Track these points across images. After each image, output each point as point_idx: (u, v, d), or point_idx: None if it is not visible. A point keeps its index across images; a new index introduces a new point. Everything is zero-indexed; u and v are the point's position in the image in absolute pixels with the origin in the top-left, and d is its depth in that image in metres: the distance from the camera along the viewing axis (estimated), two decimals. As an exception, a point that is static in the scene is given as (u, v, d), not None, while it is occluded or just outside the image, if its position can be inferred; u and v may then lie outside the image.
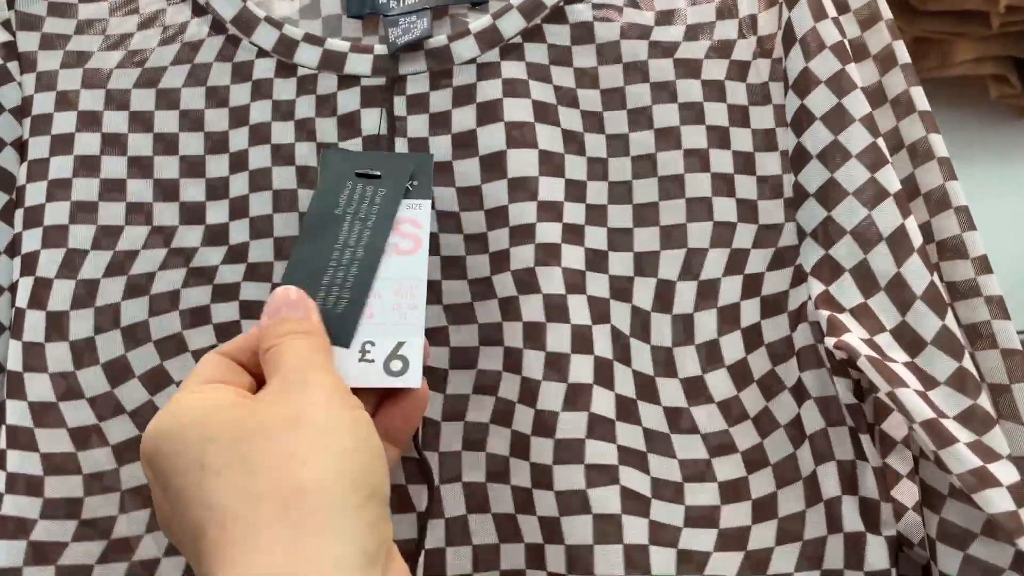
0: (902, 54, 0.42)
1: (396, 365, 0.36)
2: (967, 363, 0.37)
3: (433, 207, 0.41)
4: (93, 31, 0.46)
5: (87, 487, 0.39)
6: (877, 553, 0.36)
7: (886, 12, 0.44)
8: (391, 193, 0.39)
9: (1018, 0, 0.78)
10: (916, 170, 0.41)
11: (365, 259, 0.38)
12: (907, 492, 0.39)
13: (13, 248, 0.42)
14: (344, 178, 0.40)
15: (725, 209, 0.42)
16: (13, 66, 0.44)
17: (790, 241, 0.41)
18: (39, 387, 0.40)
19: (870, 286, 0.39)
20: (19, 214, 0.42)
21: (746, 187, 0.42)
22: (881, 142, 0.40)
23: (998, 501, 0.34)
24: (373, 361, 0.36)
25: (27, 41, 0.45)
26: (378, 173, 0.40)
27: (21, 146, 0.44)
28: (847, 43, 0.42)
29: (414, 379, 0.36)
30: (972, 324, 0.39)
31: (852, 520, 0.37)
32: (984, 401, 0.37)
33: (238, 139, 0.43)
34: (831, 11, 0.42)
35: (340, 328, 0.36)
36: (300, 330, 0.33)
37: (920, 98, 0.42)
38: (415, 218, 0.39)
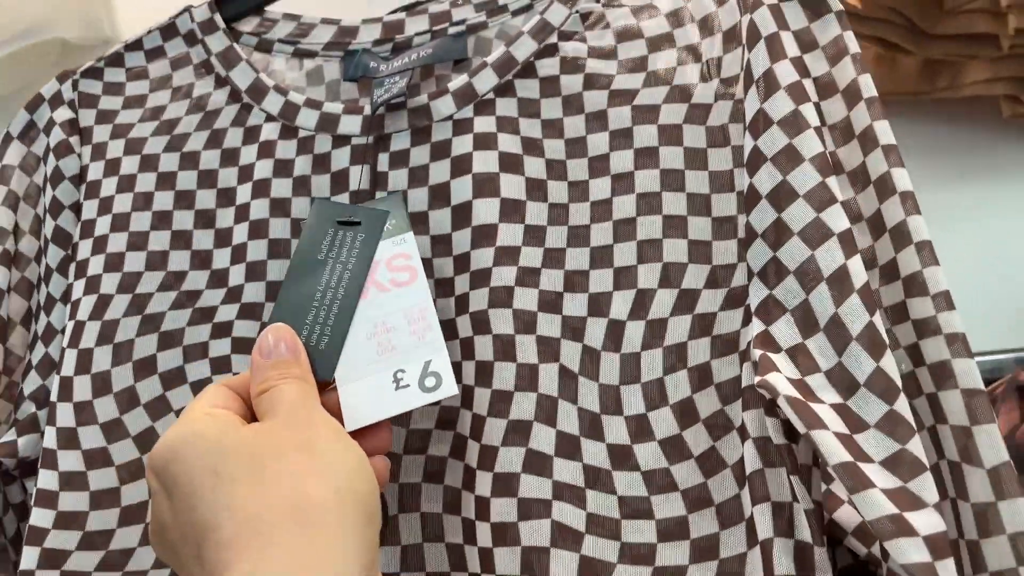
0: (867, 88, 0.42)
1: (430, 382, 0.39)
2: (900, 407, 0.36)
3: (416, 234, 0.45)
4: (137, 105, 0.53)
5: (92, 502, 0.45)
6: None
7: (853, 46, 0.43)
8: (368, 238, 0.43)
9: (1027, 23, 0.79)
10: (881, 205, 0.41)
11: (345, 299, 0.42)
12: (847, 514, 0.41)
13: (66, 296, 0.49)
14: (327, 226, 0.44)
15: (676, 250, 0.42)
16: (75, 140, 0.52)
17: (742, 281, 0.41)
18: (65, 415, 0.46)
19: (810, 326, 0.39)
20: (72, 267, 0.50)
21: (700, 228, 0.43)
22: (832, 181, 0.40)
23: (911, 552, 0.33)
24: (408, 386, 0.39)
25: (86, 117, 0.53)
26: (358, 220, 0.44)
27: (77, 208, 0.51)
28: (810, 82, 0.43)
29: (450, 388, 0.39)
30: (936, 363, 0.38)
31: (786, 564, 0.36)
32: (915, 446, 0.36)
33: (243, 193, 0.49)
34: (791, 51, 0.43)
35: (322, 362, 0.40)
36: (292, 375, 0.37)
37: (885, 132, 0.41)
38: (404, 252, 0.43)
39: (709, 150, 0.43)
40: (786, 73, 0.42)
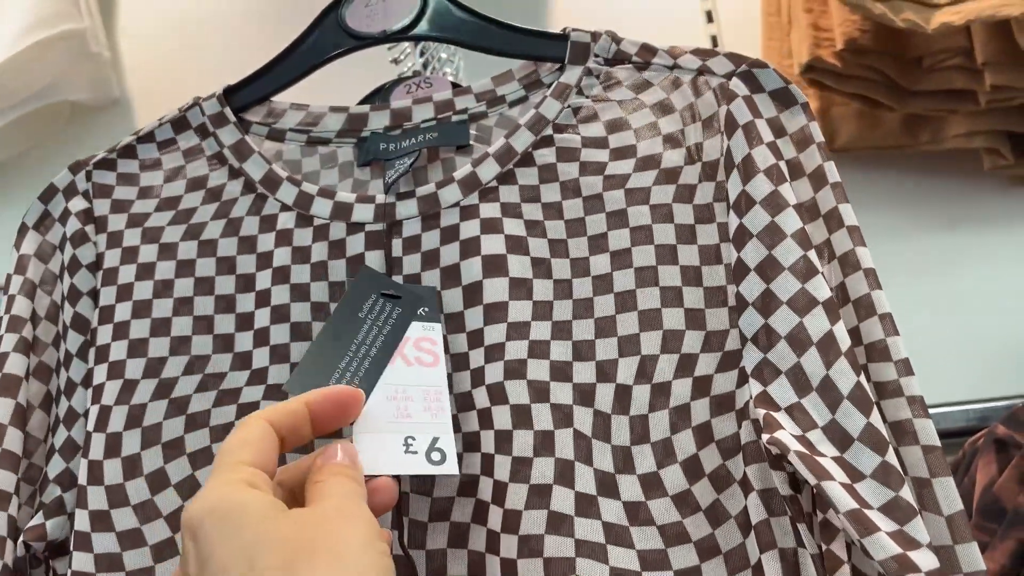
0: (832, 174, 0.47)
1: (436, 456, 0.44)
2: (890, 458, 0.41)
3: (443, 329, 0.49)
4: (151, 195, 0.55)
5: None
6: None
7: (817, 136, 0.48)
8: (404, 313, 0.48)
9: (1003, 79, 0.83)
10: (846, 279, 0.46)
11: (376, 358, 0.46)
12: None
13: (87, 380, 0.51)
14: (370, 292, 0.48)
15: (674, 318, 0.46)
16: (90, 229, 0.54)
17: (735, 345, 0.45)
18: (97, 498, 0.48)
19: (803, 386, 0.43)
20: (91, 352, 0.52)
21: (694, 297, 0.46)
22: (812, 254, 0.45)
23: None
24: (416, 452, 0.43)
25: (101, 206, 0.55)
26: (399, 295, 0.48)
27: (95, 295, 0.53)
28: (783, 164, 0.47)
29: (452, 467, 0.43)
30: (897, 422, 0.43)
31: None
32: (907, 493, 0.40)
33: (263, 279, 0.51)
34: (767, 136, 0.47)
35: None
36: (347, 475, 0.39)
37: (848, 214, 0.46)
38: (431, 337, 0.48)
39: (697, 226, 0.48)
40: (763, 157, 0.47)
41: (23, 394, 0.52)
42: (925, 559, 0.39)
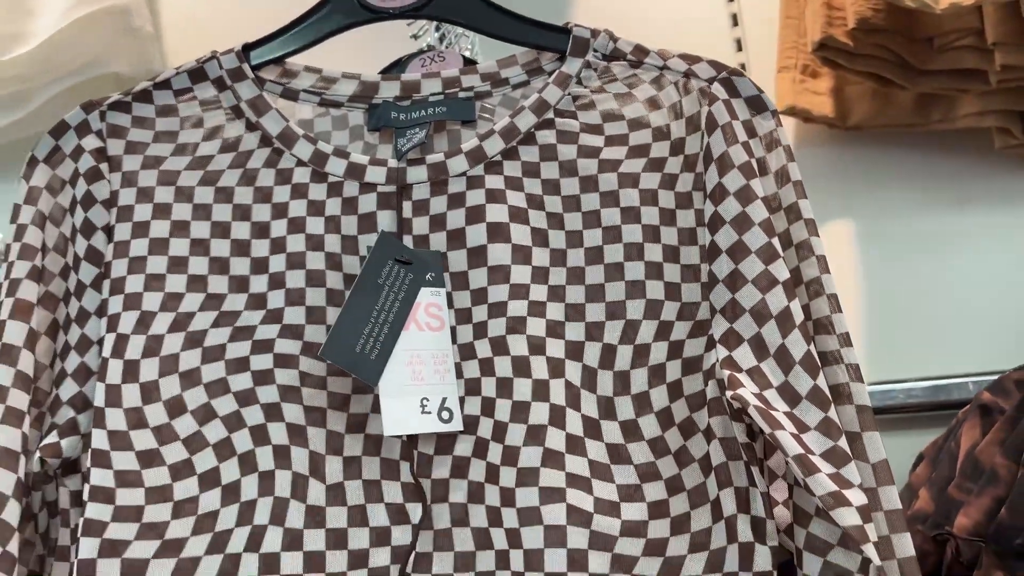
0: (795, 173, 0.57)
1: (445, 415, 0.52)
2: (831, 414, 0.51)
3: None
4: (167, 140, 0.60)
5: (148, 497, 0.53)
6: (763, 558, 0.49)
7: (784, 139, 0.57)
8: (416, 279, 0.55)
9: (1013, 59, 0.87)
10: (800, 264, 0.55)
11: (394, 323, 0.54)
12: (781, 515, 0.52)
13: (101, 310, 0.57)
14: (387, 258, 0.55)
15: (655, 289, 0.55)
16: (104, 167, 0.59)
17: (705, 316, 0.54)
18: (116, 419, 0.54)
19: (762, 353, 0.52)
20: (106, 284, 0.57)
21: (672, 272, 0.55)
22: (775, 241, 0.53)
23: (849, 517, 0.47)
24: (430, 413, 0.52)
25: (115, 147, 0.60)
26: (410, 261, 0.55)
27: (108, 230, 0.58)
28: (754, 161, 0.55)
29: (458, 425, 0.52)
30: (835, 385, 0.52)
31: (745, 533, 0.49)
32: (843, 443, 0.50)
33: (278, 227, 0.57)
34: (741, 136, 0.56)
35: (372, 369, 0.52)
36: None
37: (806, 208, 0.56)
38: (437, 302, 0.55)
39: (677, 211, 0.56)
40: (738, 154, 0.55)
41: (35, 319, 0.56)
42: (856, 496, 0.48)
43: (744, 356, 0.52)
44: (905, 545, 0.50)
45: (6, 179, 1.18)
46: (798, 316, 0.52)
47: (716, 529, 0.50)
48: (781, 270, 0.53)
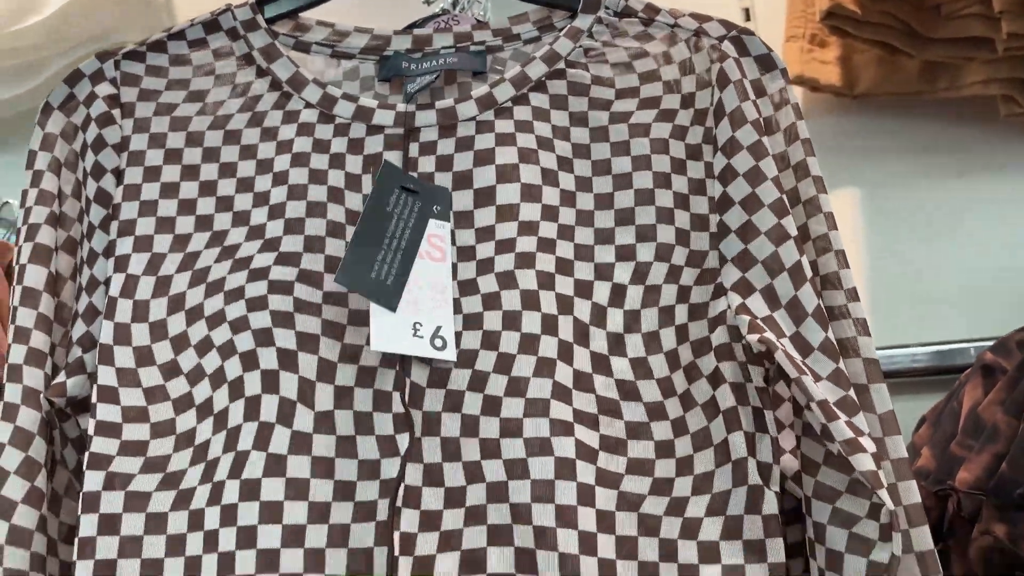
0: (803, 131, 0.57)
1: (438, 342, 0.52)
2: (841, 365, 0.52)
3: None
4: (179, 88, 0.62)
5: (152, 432, 0.53)
6: (770, 503, 0.50)
7: (793, 97, 0.58)
8: (424, 208, 0.55)
9: (1019, 27, 0.88)
10: (808, 220, 0.56)
11: (406, 249, 0.54)
12: (788, 463, 0.53)
13: (108, 251, 0.58)
14: (393, 186, 0.55)
15: (666, 233, 0.56)
16: (116, 112, 0.60)
17: (712, 264, 0.55)
18: (123, 356, 0.55)
19: (774, 303, 0.53)
20: (114, 225, 0.58)
21: (682, 219, 0.56)
22: (785, 197, 0.54)
23: (866, 463, 0.48)
24: (423, 337, 0.52)
25: (128, 94, 0.61)
26: (417, 190, 0.56)
27: (118, 173, 0.59)
28: (763, 119, 0.56)
29: (451, 355, 0.52)
30: (843, 339, 0.53)
31: (753, 476, 0.50)
32: (852, 394, 0.51)
33: (281, 162, 0.58)
34: (751, 94, 0.57)
35: (388, 294, 0.53)
36: None
37: (814, 165, 0.57)
38: (441, 235, 0.55)
39: (687, 161, 0.57)
40: (750, 111, 0.56)
41: (54, 264, 0.57)
42: (868, 444, 0.49)
43: (757, 305, 0.53)
44: (911, 492, 0.51)
45: (24, 147, 1.21)
46: (808, 271, 0.53)
47: (719, 473, 0.50)
48: (791, 225, 0.54)
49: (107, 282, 0.57)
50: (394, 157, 0.58)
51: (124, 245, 0.57)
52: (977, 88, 0.94)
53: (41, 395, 0.54)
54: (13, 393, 0.54)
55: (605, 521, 0.49)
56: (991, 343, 0.81)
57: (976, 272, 0.96)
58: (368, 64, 0.63)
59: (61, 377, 0.56)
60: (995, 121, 0.96)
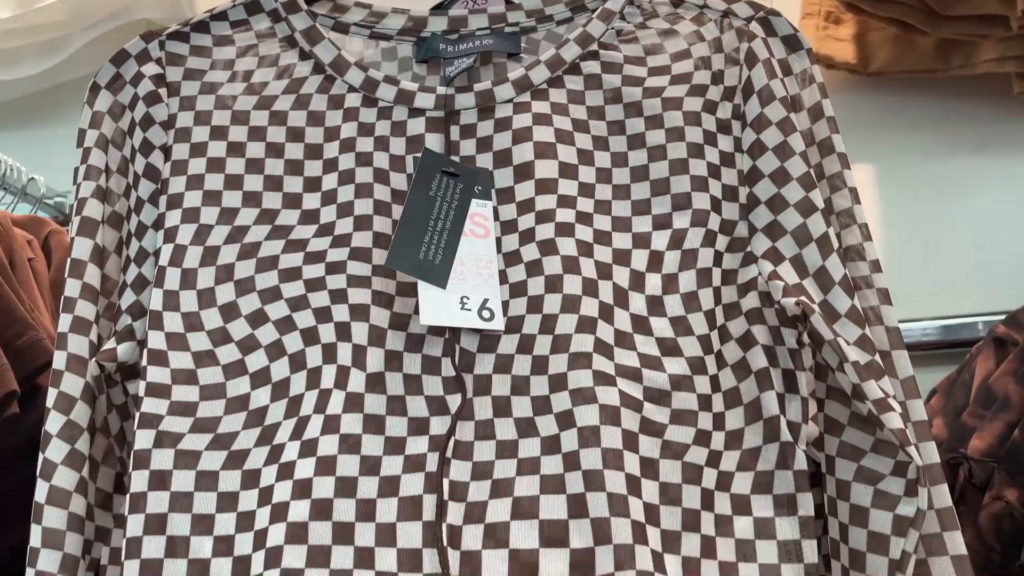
0: (828, 109, 0.60)
1: (486, 314, 0.55)
2: (867, 331, 0.54)
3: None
4: (223, 67, 0.63)
5: (202, 394, 0.55)
6: (800, 459, 0.52)
7: (818, 77, 0.61)
8: (466, 189, 0.58)
9: (1035, 5, 0.89)
10: (832, 195, 0.58)
11: (450, 230, 0.57)
12: (808, 430, 0.54)
13: (158, 224, 0.60)
14: (434, 171, 0.58)
15: (702, 200, 0.57)
16: (163, 91, 0.62)
17: (742, 234, 0.57)
18: (172, 322, 0.57)
19: (803, 272, 0.55)
20: (163, 199, 0.60)
21: (715, 188, 0.58)
22: (811, 171, 0.57)
23: (895, 421, 0.50)
24: (470, 310, 0.54)
25: (174, 73, 0.63)
26: (457, 173, 0.58)
27: (166, 150, 0.61)
28: (789, 97, 0.59)
29: (499, 325, 0.55)
30: (867, 308, 0.56)
31: (785, 434, 0.52)
32: (877, 358, 0.53)
33: (331, 149, 0.60)
34: (779, 72, 0.59)
35: (437, 273, 0.55)
36: None
37: (838, 142, 0.59)
38: (484, 213, 0.58)
39: (718, 134, 0.59)
40: (778, 88, 0.59)
41: (100, 236, 0.60)
42: (895, 404, 0.51)
43: (787, 273, 0.55)
44: (931, 453, 0.53)
45: (49, 123, 1.22)
46: (835, 242, 0.56)
47: (749, 431, 0.53)
48: (818, 198, 0.56)
49: (156, 253, 0.59)
50: (436, 140, 0.60)
51: (172, 217, 0.59)
52: (991, 65, 0.96)
53: (89, 362, 0.57)
54: (59, 360, 0.56)
55: (649, 468, 0.52)
56: (1002, 317, 0.83)
57: (989, 247, 0.98)
58: (405, 45, 0.65)
59: (111, 343, 0.58)
60: (1009, 98, 0.98)
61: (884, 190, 1.01)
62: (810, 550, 0.51)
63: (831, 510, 0.53)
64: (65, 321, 0.57)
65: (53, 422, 0.55)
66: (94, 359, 0.57)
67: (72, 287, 0.58)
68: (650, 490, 0.51)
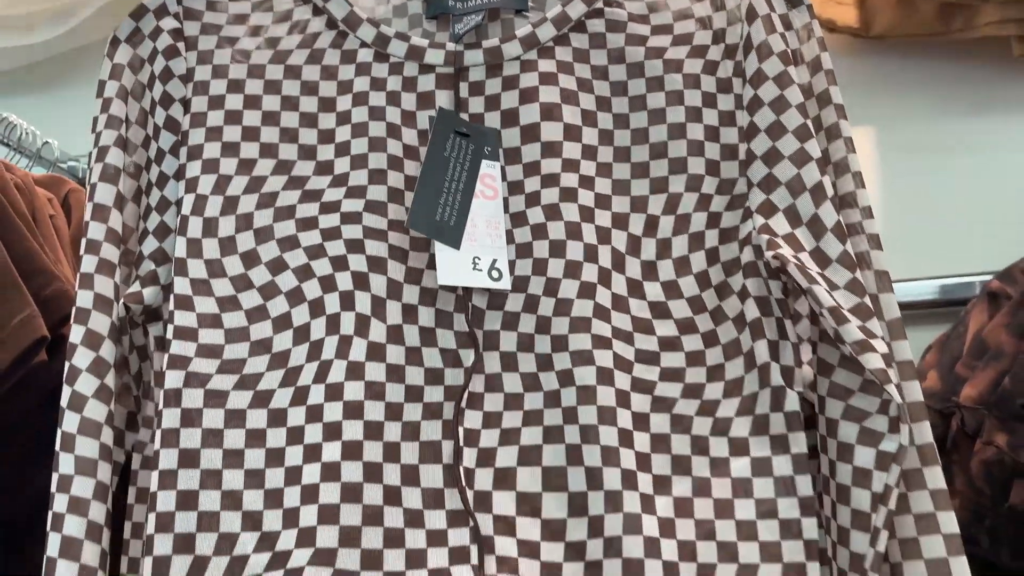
0: (827, 62, 0.62)
1: (495, 274, 0.58)
2: (858, 275, 0.57)
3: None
4: (239, 23, 0.66)
5: (227, 337, 0.59)
6: (791, 401, 0.56)
7: (817, 31, 0.62)
8: (477, 150, 0.60)
9: (1034, -32, 0.91)
10: (829, 145, 0.60)
11: (463, 191, 0.59)
12: (805, 373, 0.58)
13: (179, 174, 0.62)
14: (448, 131, 0.60)
15: (697, 165, 0.61)
16: (181, 45, 0.65)
17: (742, 191, 0.60)
18: (196, 268, 0.60)
19: (796, 221, 0.58)
20: (183, 150, 0.62)
21: (712, 151, 0.61)
22: (809, 123, 0.59)
23: (875, 361, 0.53)
24: (481, 270, 0.57)
25: (191, 28, 0.65)
26: (469, 134, 0.60)
27: (185, 103, 0.64)
28: (790, 51, 0.61)
29: (507, 284, 0.58)
30: (859, 253, 0.58)
31: (776, 378, 0.56)
32: (867, 301, 0.56)
33: (344, 102, 0.63)
34: (779, 27, 0.62)
35: (452, 234, 0.58)
36: None
37: (836, 94, 0.61)
38: (493, 174, 0.61)
39: (718, 94, 0.62)
40: (777, 43, 0.61)
41: (121, 184, 0.62)
42: (880, 345, 0.54)
43: (779, 224, 0.58)
44: (914, 391, 0.56)
45: (63, 88, 1.24)
46: (829, 190, 0.58)
47: (749, 378, 0.57)
48: (814, 148, 0.59)
49: (178, 203, 0.62)
50: (445, 96, 0.63)
51: (193, 168, 0.62)
52: (992, 29, 0.97)
53: (115, 303, 0.59)
54: (85, 299, 0.59)
55: (641, 421, 0.56)
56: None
57: (988, 209, 1.00)
58: (415, 2, 0.67)
59: (135, 287, 0.61)
60: (1009, 60, 0.99)
61: (885, 152, 1.03)
62: (804, 484, 0.54)
63: (822, 447, 0.56)
64: (90, 262, 0.60)
65: (81, 357, 0.57)
66: (121, 300, 0.59)
67: (96, 230, 0.60)
68: (642, 441, 0.55)
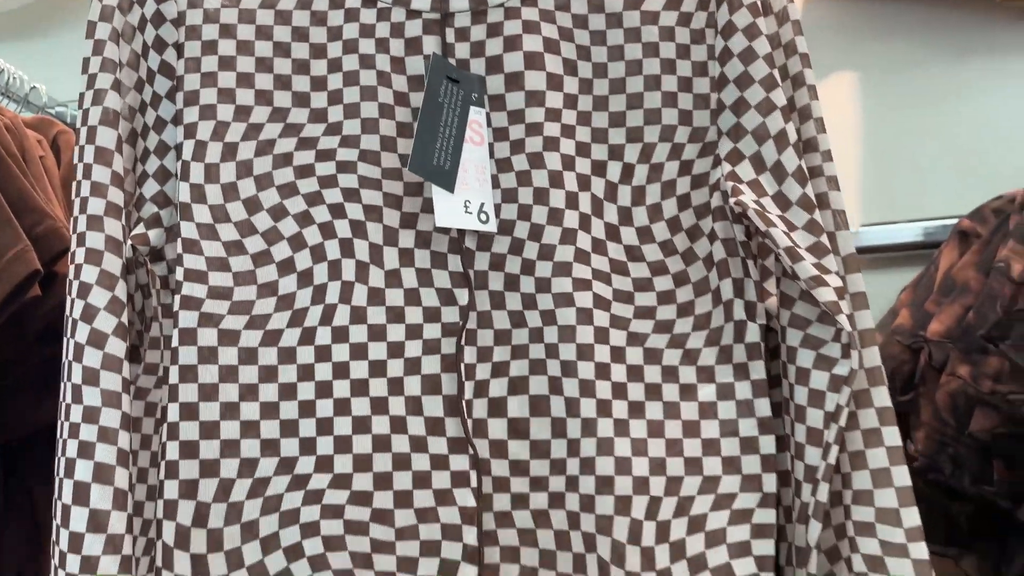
0: (794, 12, 0.65)
1: (483, 217, 0.61)
2: (816, 216, 0.60)
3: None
4: None
5: (236, 280, 0.61)
6: (753, 332, 0.60)
7: None
8: (466, 96, 0.63)
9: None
10: (795, 92, 0.63)
11: (456, 136, 0.62)
12: (772, 304, 0.62)
13: (176, 119, 0.64)
14: (440, 77, 0.63)
15: (670, 116, 0.64)
16: None
17: (712, 139, 0.63)
18: (201, 213, 0.63)
19: (760, 167, 0.62)
20: (179, 96, 0.64)
21: (685, 101, 0.64)
22: (776, 72, 0.62)
23: (827, 295, 0.57)
24: (471, 213, 0.61)
25: None
26: (458, 80, 0.63)
27: (178, 47, 0.65)
28: (759, 2, 0.63)
29: (493, 227, 0.61)
30: (819, 194, 0.62)
31: (739, 312, 0.60)
32: (824, 239, 0.60)
33: (334, 49, 0.65)
34: None
35: (447, 178, 0.61)
36: None
37: (802, 43, 0.64)
38: (479, 120, 0.63)
39: (692, 46, 0.65)
40: None
41: (120, 127, 0.63)
42: (833, 280, 0.58)
43: (745, 170, 0.61)
44: (865, 320, 0.60)
45: (50, 34, 1.25)
46: (792, 136, 0.61)
47: (716, 312, 0.61)
48: (779, 97, 0.62)
49: (178, 148, 0.64)
50: (433, 42, 0.65)
51: (191, 114, 0.64)
52: (974, -27, 0.99)
53: (125, 244, 0.62)
54: (96, 240, 0.60)
55: (617, 354, 0.60)
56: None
57: (969, 153, 1.02)
58: None
59: (141, 228, 0.63)
60: (991, 6, 1.01)
61: (867, 98, 1.05)
62: (762, 406, 0.59)
63: (783, 373, 0.60)
64: (97, 205, 0.61)
65: (98, 296, 0.59)
66: (129, 241, 0.62)
67: (101, 173, 0.62)
68: (619, 372, 0.59)
